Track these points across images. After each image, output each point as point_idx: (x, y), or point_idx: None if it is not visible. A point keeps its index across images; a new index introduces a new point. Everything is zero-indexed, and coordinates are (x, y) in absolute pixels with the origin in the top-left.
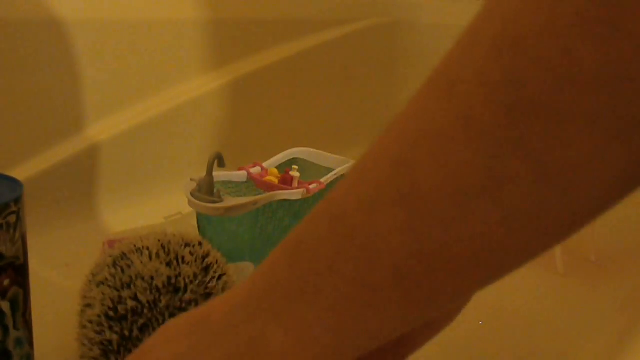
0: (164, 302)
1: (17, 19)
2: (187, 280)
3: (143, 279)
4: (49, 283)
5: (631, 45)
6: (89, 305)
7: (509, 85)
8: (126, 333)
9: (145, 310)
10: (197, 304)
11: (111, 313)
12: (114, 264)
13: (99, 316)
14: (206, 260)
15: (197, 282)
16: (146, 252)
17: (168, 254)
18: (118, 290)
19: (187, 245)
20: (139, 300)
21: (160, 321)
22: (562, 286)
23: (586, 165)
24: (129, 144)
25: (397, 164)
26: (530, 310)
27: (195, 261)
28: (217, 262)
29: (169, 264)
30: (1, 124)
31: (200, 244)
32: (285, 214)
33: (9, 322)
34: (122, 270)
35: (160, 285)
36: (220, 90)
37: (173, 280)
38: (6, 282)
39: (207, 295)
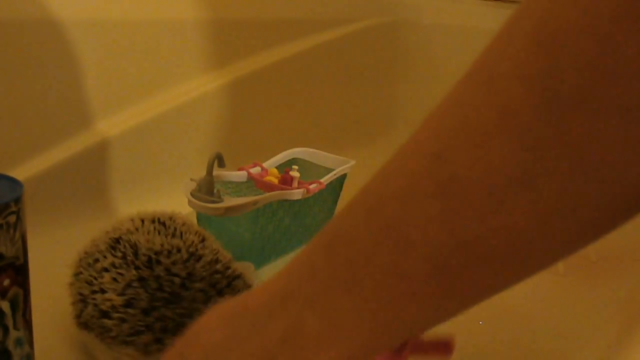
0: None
1: (17, 19)
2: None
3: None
4: (49, 283)
5: None
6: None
7: (548, 79)
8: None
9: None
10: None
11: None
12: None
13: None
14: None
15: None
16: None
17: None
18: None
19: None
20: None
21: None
22: (562, 286)
23: (623, 159)
24: (129, 144)
25: (434, 156)
26: (530, 310)
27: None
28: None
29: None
30: (1, 124)
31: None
32: (285, 214)
33: (9, 322)
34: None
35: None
36: (220, 90)
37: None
38: (6, 282)
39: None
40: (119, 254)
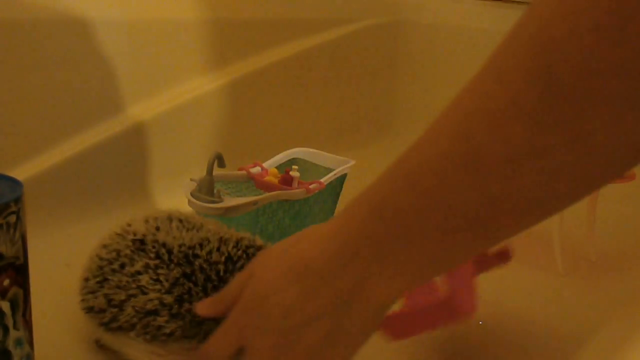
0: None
1: (17, 19)
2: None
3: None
4: (49, 283)
5: (636, 46)
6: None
7: (546, 74)
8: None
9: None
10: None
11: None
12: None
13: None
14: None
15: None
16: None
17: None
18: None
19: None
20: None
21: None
22: (562, 286)
23: (606, 134)
24: (129, 144)
25: (462, 136)
26: (530, 310)
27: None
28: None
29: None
30: (1, 124)
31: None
32: (285, 214)
33: (9, 322)
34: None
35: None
36: (220, 90)
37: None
38: (6, 282)
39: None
40: (152, 255)
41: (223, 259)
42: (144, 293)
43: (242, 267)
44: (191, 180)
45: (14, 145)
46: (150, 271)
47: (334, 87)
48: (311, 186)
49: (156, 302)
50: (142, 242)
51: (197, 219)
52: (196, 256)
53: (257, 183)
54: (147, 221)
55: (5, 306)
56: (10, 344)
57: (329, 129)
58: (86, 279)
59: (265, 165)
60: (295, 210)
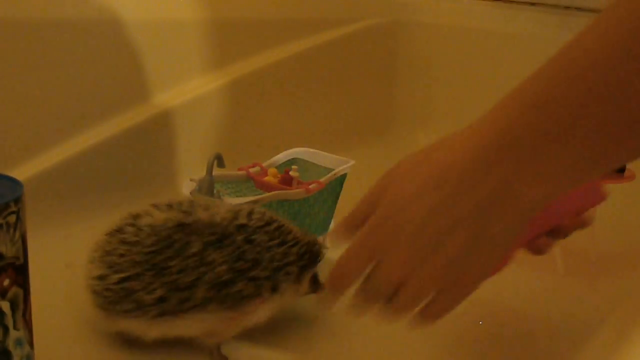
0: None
1: (17, 19)
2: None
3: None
4: (49, 283)
5: None
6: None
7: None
8: None
9: None
10: None
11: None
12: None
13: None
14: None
15: None
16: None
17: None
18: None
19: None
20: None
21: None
22: (562, 286)
23: None
24: (129, 144)
25: (633, 28)
26: (530, 310)
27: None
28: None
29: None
30: (1, 124)
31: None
32: (284, 214)
33: (9, 322)
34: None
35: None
36: (220, 90)
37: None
38: (6, 282)
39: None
40: (205, 232)
41: (264, 222)
42: (214, 268)
43: (279, 225)
44: (191, 180)
45: (14, 145)
46: (210, 247)
47: (334, 87)
48: (311, 186)
49: (226, 276)
50: (181, 225)
51: (206, 198)
52: (242, 225)
53: (256, 183)
54: (169, 207)
55: (5, 306)
56: (10, 344)
57: (329, 129)
58: (138, 274)
59: (265, 165)
60: (295, 210)
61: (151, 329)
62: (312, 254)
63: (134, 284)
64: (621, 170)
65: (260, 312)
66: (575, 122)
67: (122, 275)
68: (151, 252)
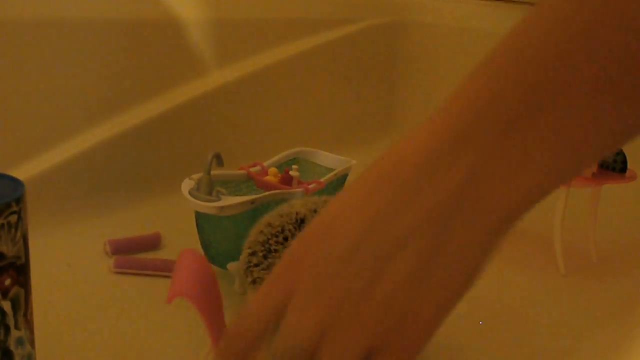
0: None
1: (17, 19)
2: None
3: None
4: (50, 283)
5: None
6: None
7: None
8: None
9: None
10: None
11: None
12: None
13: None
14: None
15: None
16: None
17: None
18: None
19: None
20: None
21: None
22: (562, 286)
23: None
24: (130, 144)
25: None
26: (530, 310)
27: None
28: None
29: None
30: (2, 124)
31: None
32: None
33: (10, 321)
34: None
35: None
36: (220, 90)
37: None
38: (7, 282)
39: None
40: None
41: None
42: None
43: None
44: (190, 179)
45: (15, 145)
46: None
47: (334, 87)
48: (311, 186)
49: None
50: (302, 220)
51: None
52: None
53: (257, 182)
54: (305, 204)
55: (7, 306)
56: (12, 344)
57: (329, 129)
58: (253, 253)
59: (265, 164)
60: None
61: None
62: None
63: (255, 260)
64: (622, 171)
65: None
66: (557, 83)
67: (252, 249)
68: (269, 235)
